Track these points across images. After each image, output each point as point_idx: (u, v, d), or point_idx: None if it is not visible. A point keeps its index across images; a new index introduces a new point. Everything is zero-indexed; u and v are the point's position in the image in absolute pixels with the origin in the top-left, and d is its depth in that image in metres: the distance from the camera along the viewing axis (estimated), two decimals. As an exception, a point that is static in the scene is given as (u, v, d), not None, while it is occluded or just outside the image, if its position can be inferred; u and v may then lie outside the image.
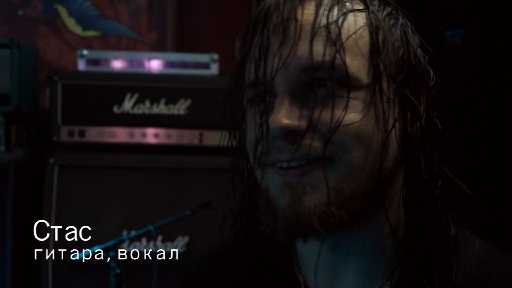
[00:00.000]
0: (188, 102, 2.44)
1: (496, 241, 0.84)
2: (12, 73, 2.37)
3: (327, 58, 0.68)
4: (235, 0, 3.08)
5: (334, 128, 0.67)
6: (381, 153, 0.69)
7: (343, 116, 0.67)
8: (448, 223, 0.77)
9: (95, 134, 2.43)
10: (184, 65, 2.55)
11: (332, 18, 0.69)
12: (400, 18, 0.75)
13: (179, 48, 3.00)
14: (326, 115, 0.68)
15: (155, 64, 2.57)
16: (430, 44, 0.79)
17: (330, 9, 0.70)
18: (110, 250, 2.08)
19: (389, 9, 0.75)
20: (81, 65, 2.53)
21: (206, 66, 2.53)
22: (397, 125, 0.71)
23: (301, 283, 0.82)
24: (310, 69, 0.68)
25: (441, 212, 0.76)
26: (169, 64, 2.57)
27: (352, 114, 0.68)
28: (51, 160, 2.38)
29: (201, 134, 2.45)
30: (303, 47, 0.69)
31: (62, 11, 2.96)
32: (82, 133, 2.43)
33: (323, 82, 0.68)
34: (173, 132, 2.44)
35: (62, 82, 2.42)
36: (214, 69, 2.53)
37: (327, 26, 0.69)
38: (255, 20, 0.73)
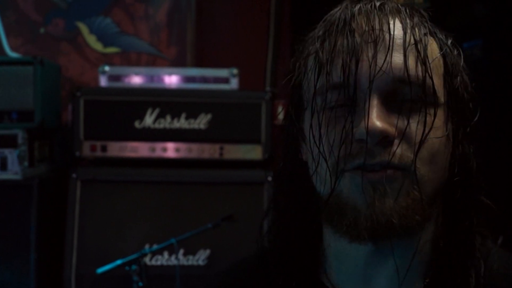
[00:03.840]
0: (209, 116, 2.46)
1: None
2: (36, 90, 2.41)
3: (419, 73, 0.73)
4: (254, 15, 3.11)
5: (423, 142, 0.72)
6: (450, 169, 0.77)
7: (428, 131, 0.73)
8: (474, 233, 0.82)
9: (117, 149, 2.46)
10: (204, 80, 2.58)
11: (417, 37, 0.74)
12: (456, 46, 0.82)
13: (198, 64, 3.03)
14: (417, 128, 0.73)
15: (175, 80, 2.60)
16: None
17: (413, 28, 0.75)
18: (133, 264, 2.09)
19: (451, 40, 0.81)
20: (103, 81, 2.56)
21: (226, 80, 2.56)
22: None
23: None
24: (404, 81, 0.73)
25: (472, 222, 0.81)
26: (189, 79, 2.59)
27: (436, 131, 0.74)
28: (74, 175, 2.41)
29: (221, 148, 2.47)
30: (397, 59, 0.73)
31: (83, 28, 3.01)
32: (104, 148, 2.46)
33: (414, 95, 0.73)
34: (194, 146, 2.47)
35: (84, 98, 2.45)
36: (234, 83, 2.56)
37: (416, 44, 0.74)
38: (332, 22, 0.76)
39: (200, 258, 2.37)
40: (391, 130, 0.72)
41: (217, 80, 2.57)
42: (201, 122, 2.46)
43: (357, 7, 0.76)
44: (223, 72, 2.57)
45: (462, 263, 0.79)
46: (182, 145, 2.47)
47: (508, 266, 0.83)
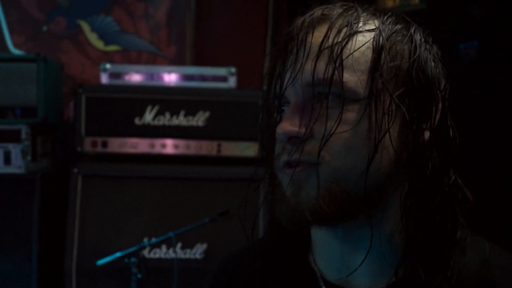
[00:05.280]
0: (207, 114, 2.51)
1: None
2: (39, 87, 2.46)
3: (327, 75, 0.78)
4: (252, 15, 3.15)
5: (326, 137, 0.78)
6: (369, 161, 0.78)
7: (336, 127, 0.77)
8: (454, 226, 0.84)
9: (117, 145, 2.51)
10: (202, 78, 2.63)
11: (338, 39, 0.80)
12: (413, 34, 0.83)
13: (197, 62, 3.08)
14: (321, 125, 0.78)
15: (174, 78, 2.64)
16: (443, 57, 0.86)
17: (339, 31, 0.80)
18: (132, 256, 2.15)
19: (400, 26, 0.83)
20: (104, 79, 2.61)
21: (224, 79, 2.61)
22: (395, 134, 0.80)
23: (318, 275, 0.89)
24: (311, 84, 0.79)
25: (445, 215, 0.83)
26: (188, 77, 2.64)
27: (345, 126, 0.78)
28: (75, 170, 2.46)
29: (219, 145, 2.52)
30: (308, 66, 0.80)
31: (85, 27, 3.06)
32: (104, 144, 2.51)
33: (323, 96, 0.80)
34: (192, 143, 2.52)
35: (86, 95, 2.50)
36: (232, 82, 2.61)
37: (331, 47, 0.79)
38: (281, 42, 0.85)
39: (197, 251, 2.42)
40: (295, 130, 0.79)
41: (216, 78, 2.62)
42: (200, 119, 2.51)
43: (301, 20, 0.83)
44: (221, 71, 2.62)
45: (432, 254, 0.81)
46: (180, 142, 2.52)
47: (490, 259, 0.84)
